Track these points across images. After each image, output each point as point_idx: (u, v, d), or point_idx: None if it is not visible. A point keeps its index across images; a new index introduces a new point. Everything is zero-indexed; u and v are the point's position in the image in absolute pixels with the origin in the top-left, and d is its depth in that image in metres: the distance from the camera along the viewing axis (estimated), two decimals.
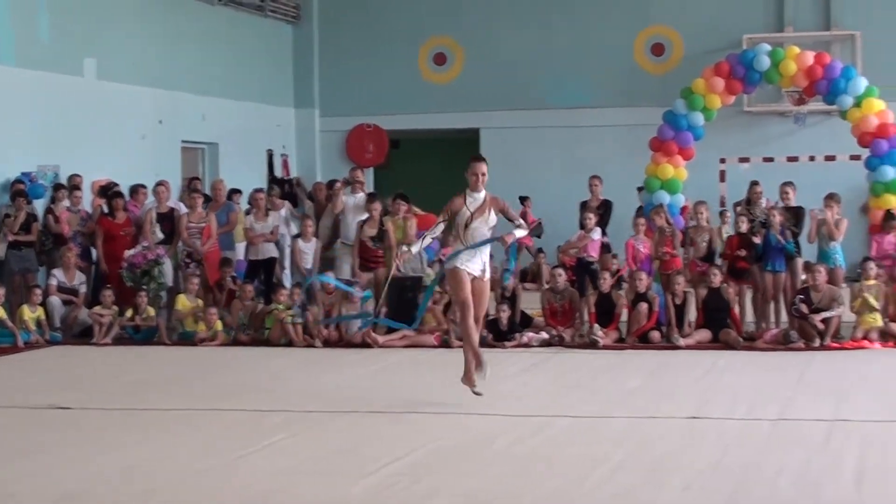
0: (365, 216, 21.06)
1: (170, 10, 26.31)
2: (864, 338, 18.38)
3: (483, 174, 13.52)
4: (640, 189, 24.31)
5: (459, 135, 30.11)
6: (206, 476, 10.33)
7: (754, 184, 22.13)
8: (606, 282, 19.30)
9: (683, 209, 22.87)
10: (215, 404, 14.03)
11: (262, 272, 21.69)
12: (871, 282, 18.91)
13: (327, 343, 19.22)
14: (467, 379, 13.28)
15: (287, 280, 21.77)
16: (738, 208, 21.59)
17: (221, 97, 27.15)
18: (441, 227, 13.72)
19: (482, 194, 13.47)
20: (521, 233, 13.76)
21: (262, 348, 19.14)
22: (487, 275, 13.58)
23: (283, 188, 26.02)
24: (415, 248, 14.38)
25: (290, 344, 19.13)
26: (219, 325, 19.69)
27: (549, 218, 24.14)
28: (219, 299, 20.59)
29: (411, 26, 30.28)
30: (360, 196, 22.03)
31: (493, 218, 13.38)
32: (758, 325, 19.70)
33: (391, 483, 9.95)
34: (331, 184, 23.98)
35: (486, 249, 13.52)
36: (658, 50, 29.74)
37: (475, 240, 13.27)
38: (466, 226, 13.27)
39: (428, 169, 29.10)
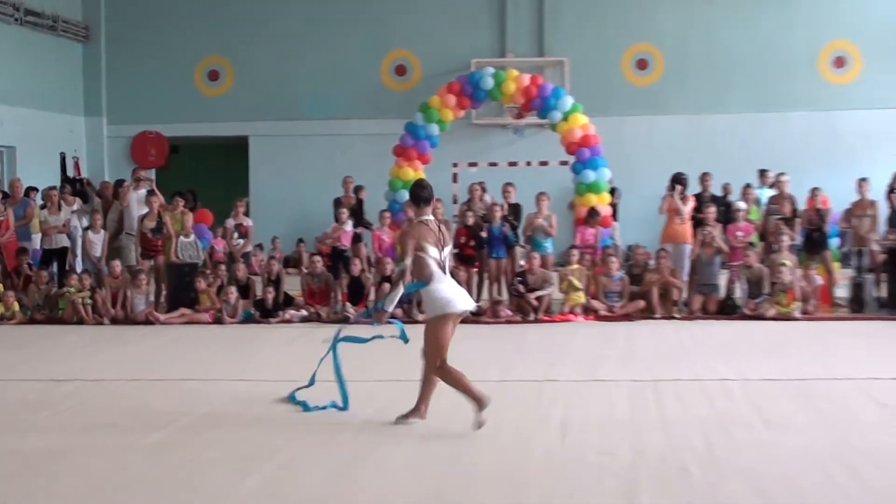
0: (146, 210, 20.94)
1: None
2: (570, 312, 18.96)
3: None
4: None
5: (231, 141, 30.07)
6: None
7: (473, 185, 22.82)
8: (356, 266, 19.59)
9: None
10: (11, 375, 13.92)
11: (56, 260, 21.37)
12: (575, 266, 19.49)
13: (115, 321, 19.11)
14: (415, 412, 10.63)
15: (78, 266, 21.31)
16: (462, 206, 22.09)
17: (19, 106, 26.61)
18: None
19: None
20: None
21: (56, 326, 18.89)
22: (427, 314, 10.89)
23: (75, 186, 25.64)
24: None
25: (81, 322, 18.99)
26: (16, 307, 19.49)
27: (310, 212, 24.34)
28: (17, 284, 20.28)
29: (188, 46, 29.93)
30: (142, 192, 21.86)
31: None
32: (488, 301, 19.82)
33: (177, 437, 10.22)
34: (118, 183, 23.83)
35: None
36: (400, 70, 30.04)
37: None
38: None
39: (203, 171, 29.09)
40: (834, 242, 22.33)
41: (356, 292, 19.41)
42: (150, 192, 21.51)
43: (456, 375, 10.29)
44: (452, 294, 10.56)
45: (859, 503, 7.69)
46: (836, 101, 29.17)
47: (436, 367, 10.37)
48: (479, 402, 10.02)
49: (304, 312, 19.28)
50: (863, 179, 21.29)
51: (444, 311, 10.34)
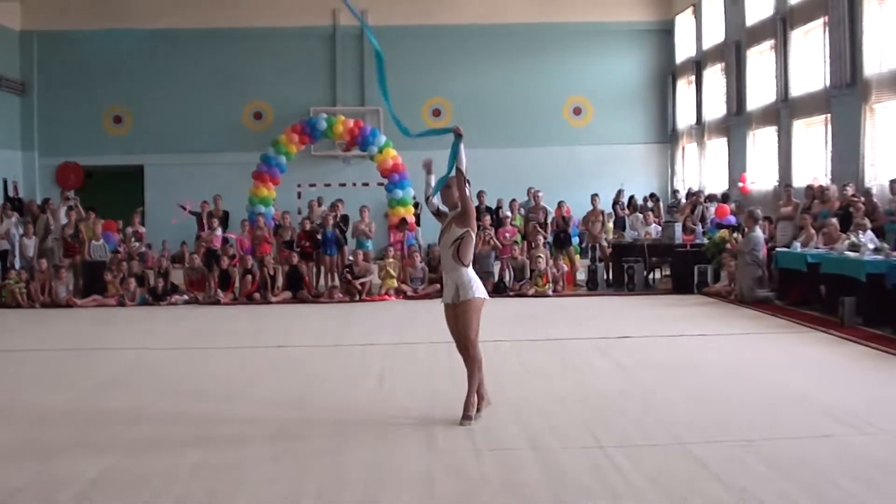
0: (65, 221, 21.08)
1: None
2: (386, 293, 18.98)
3: (449, 187, 8.39)
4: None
5: (131, 169, 29.64)
6: None
7: (311, 201, 22.89)
8: (224, 262, 19.34)
9: (275, 216, 23.18)
10: None
11: (0, 260, 21.02)
12: (391, 259, 19.67)
13: (43, 305, 18.57)
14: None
15: (17, 264, 21.01)
16: (302, 217, 22.05)
17: None
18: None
19: (454, 210, 8.38)
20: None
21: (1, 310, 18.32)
22: (464, 296, 8.24)
23: (14, 204, 25.24)
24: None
25: (18, 306, 18.46)
26: None
27: (190, 221, 23.99)
28: None
29: (99, 97, 29.51)
30: (64, 208, 22.10)
31: (456, 230, 8.23)
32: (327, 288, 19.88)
33: (85, 396, 10.14)
34: (44, 201, 24.06)
35: (459, 270, 8.24)
36: (258, 115, 29.96)
37: (443, 261, 8.46)
38: (439, 242, 8.57)
39: (111, 191, 28.50)
40: (575, 240, 22.83)
41: (224, 281, 19.22)
42: (70, 208, 21.71)
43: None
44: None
45: (592, 425, 7.87)
46: (576, 138, 30.14)
47: (476, 344, 8.32)
48: (479, 401, 8.32)
49: (186, 297, 18.97)
50: (595, 195, 21.90)
51: (484, 294, 8.37)
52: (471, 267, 8.32)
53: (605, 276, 20.35)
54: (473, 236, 8.27)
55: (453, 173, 8.43)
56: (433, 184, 8.57)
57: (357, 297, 18.83)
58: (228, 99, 29.77)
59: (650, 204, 25.15)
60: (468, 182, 8.29)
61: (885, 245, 14.74)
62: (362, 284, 19.01)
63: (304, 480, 6.66)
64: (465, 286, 8.19)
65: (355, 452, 7.37)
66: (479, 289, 8.25)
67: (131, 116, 30.01)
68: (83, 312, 17.94)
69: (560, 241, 20.92)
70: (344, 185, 28.65)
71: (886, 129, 18.54)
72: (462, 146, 8.40)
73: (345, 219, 22.20)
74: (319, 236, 20.31)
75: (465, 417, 8.18)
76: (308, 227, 20.62)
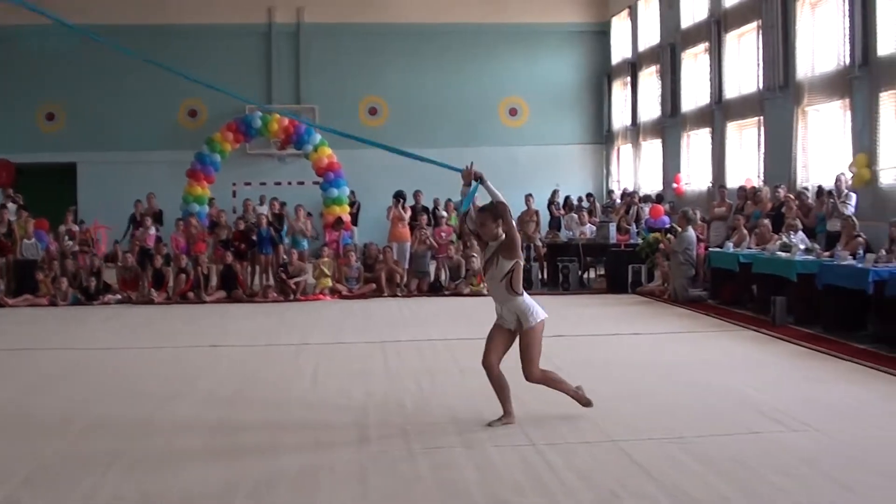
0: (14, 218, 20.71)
1: None
2: (321, 293, 18.92)
3: (484, 224, 8.04)
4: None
5: (63, 166, 29.18)
6: None
7: (246, 200, 22.95)
8: (158, 261, 19.14)
9: (209, 214, 23.02)
10: None
11: None
12: (326, 259, 19.55)
13: None
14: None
15: None
16: (238, 218, 21.85)
17: None
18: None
19: (498, 241, 8.01)
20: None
21: None
22: (528, 324, 7.94)
23: None
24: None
25: None
26: None
27: (124, 220, 23.76)
28: None
29: (32, 94, 29.03)
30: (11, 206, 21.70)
31: (505, 264, 7.94)
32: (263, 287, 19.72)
33: (17, 396, 9.98)
34: None
35: (515, 300, 7.98)
36: (193, 114, 29.71)
37: (493, 293, 8.17)
38: (484, 274, 8.33)
39: (43, 188, 28.02)
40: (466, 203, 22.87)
41: (158, 280, 19.01)
42: (2, 206, 21.02)
43: (504, 382, 8.11)
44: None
45: (524, 423, 7.88)
46: (512, 139, 30.23)
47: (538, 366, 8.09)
48: (507, 416, 8.05)
49: (118, 296, 18.75)
50: (529, 195, 21.95)
51: (545, 314, 8.07)
52: (525, 292, 8.11)
53: (540, 276, 20.49)
54: (521, 263, 8.13)
55: (472, 205, 8.57)
56: (465, 201, 8.56)
57: (292, 297, 18.75)
58: (163, 96, 29.39)
59: (585, 204, 25.32)
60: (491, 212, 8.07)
61: (816, 245, 14.98)
62: (297, 284, 18.95)
63: (238, 479, 6.61)
64: (525, 314, 7.99)
65: (289, 451, 7.33)
66: (539, 312, 8.04)
67: (64, 113, 29.58)
68: (14, 312, 17.67)
69: None
70: (279, 183, 28.56)
71: (818, 131, 18.82)
72: (488, 184, 8.38)
73: (280, 218, 22.16)
74: (254, 236, 20.18)
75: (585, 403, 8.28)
76: (242, 226, 20.49)
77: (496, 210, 8.07)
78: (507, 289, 7.99)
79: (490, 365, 8.06)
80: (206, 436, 7.87)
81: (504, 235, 8.01)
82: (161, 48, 29.54)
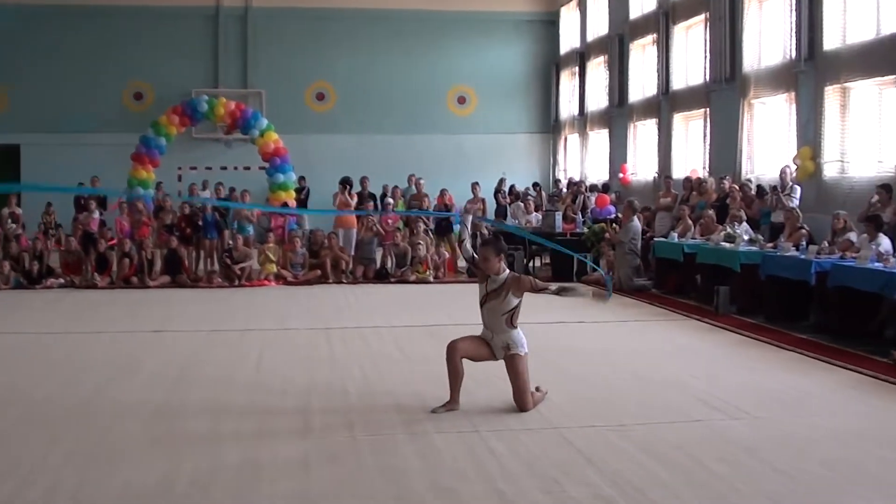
0: None
1: None
2: (266, 279, 18.81)
3: (487, 259, 8.18)
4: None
5: (6, 148, 28.84)
6: None
7: (192, 184, 22.75)
8: (102, 245, 18.94)
9: (155, 199, 22.81)
10: None
11: None
12: (271, 245, 19.44)
13: None
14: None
15: None
16: (183, 203, 21.64)
17: None
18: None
19: (503, 276, 8.20)
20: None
21: None
22: (516, 351, 8.13)
23: None
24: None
25: None
26: None
27: (67, 203, 23.49)
28: None
29: None
30: None
31: (512, 300, 8.15)
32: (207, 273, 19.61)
33: None
34: None
35: (511, 332, 8.18)
36: (138, 96, 29.48)
37: (488, 322, 8.24)
38: (482, 304, 8.31)
39: None
40: (457, 228, 22.88)
41: (102, 264, 18.76)
42: None
43: (461, 371, 8.08)
44: None
45: (468, 410, 7.89)
46: (459, 127, 30.27)
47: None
48: (453, 402, 8.04)
49: (61, 280, 18.48)
50: (475, 183, 21.99)
51: (526, 351, 8.18)
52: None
53: None
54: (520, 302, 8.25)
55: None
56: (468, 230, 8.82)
57: (236, 282, 18.59)
58: (109, 79, 29.16)
59: (532, 193, 25.40)
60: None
61: (760, 236, 15.14)
62: (242, 269, 18.78)
63: (179, 466, 6.54)
64: (516, 344, 8.16)
65: (231, 438, 7.28)
66: (525, 345, 8.19)
67: (7, 95, 29.15)
68: None
69: (441, 229, 20.97)
70: (225, 168, 28.45)
71: (763, 124, 18.98)
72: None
73: (227, 198, 22.04)
74: (199, 220, 20.00)
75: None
76: (188, 210, 20.29)
77: (499, 245, 8.31)
78: (507, 322, 8.16)
79: (456, 349, 8.06)
80: (147, 423, 7.78)
81: (508, 272, 8.21)
82: (110, 30, 29.34)
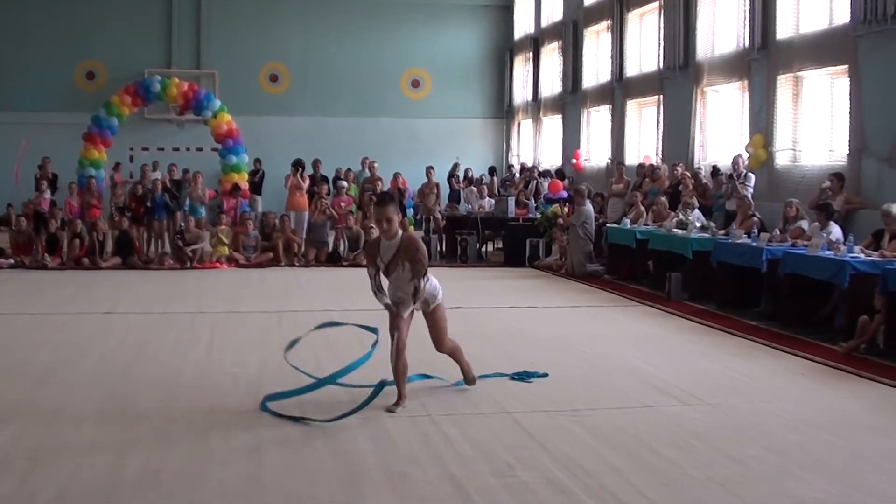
0: None
1: None
2: (217, 261, 18.72)
3: (389, 219, 7.54)
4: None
5: None
6: None
7: (143, 165, 22.63)
8: (53, 225, 18.73)
9: (111, 178, 22.67)
10: None
11: None
12: (224, 227, 19.33)
13: None
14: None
15: None
16: (134, 181, 21.56)
17: None
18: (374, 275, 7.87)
19: (396, 240, 7.60)
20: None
21: None
22: (432, 305, 7.82)
23: None
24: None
25: None
26: None
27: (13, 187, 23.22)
28: None
29: None
30: None
31: (409, 267, 7.63)
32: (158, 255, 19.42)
33: None
34: None
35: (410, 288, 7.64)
36: (90, 76, 29.17)
37: (399, 291, 7.65)
38: (388, 275, 7.75)
39: None
40: (410, 212, 22.88)
41: (52, 245, 18.58)
42: None
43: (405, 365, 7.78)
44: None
45: (420, 394, 7.86)
46: (413, 111, 30.21)
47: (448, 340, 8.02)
48: (404, 399, 7.67)
49: (11, 261, 18.25)
50: (430, 167, 21.96)
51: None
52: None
53: (439, 248, 20.52)
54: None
55: None
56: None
57: (188, 264, 18.48)
58: (62, 57, 28.81)
59: (485, 178, 25.40)
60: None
61: (712, 224, 15.22)
62: (193, 251, 18.66)
63: (128, 452, 6.46)
64: (433, 297, 7.82)
65: (182, 422, 7.21)
66: (440, 290, 7.90)
67: None
68: None
69: None
70: (177, 149, 28.21)
71: (716, 111, 19.08)
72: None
73: (178, 184, 21.85)
74: (149, 203, 19.82)
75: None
76: (139, 191, 20.10)
77: (396, 201, 7.85)
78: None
79: (404, 346, 7.72)
80: (96, 406, 7.69)
81: (400, 233, 7.67)
82: (57, 8, 28.93)
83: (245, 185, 22.87)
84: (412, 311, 7.81)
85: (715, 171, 17.26)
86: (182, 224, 19.42)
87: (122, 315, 12.53)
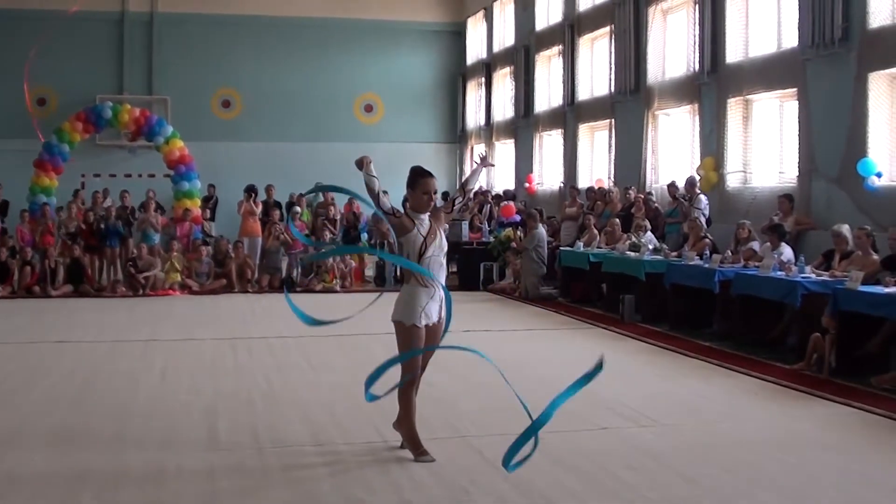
0: None
1: None
2: (170, 288, 18.58)
3: (436, 191, 7.53)
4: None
5: None
6: None
7: (95, 192, 22.45)
8: (3, 253, 18.46)
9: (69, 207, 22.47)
10: None
11: None
12: (176, 253, 19.20)
13: None
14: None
15: None
16: (86, 208, 21.32)
17: None
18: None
19: (426, 214, 7.36)
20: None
21: None
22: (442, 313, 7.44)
23: None
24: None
25: None
26: None
27: None
28: None
29: None
30: None
31: (444, 242, 7.28)
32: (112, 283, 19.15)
33: None
34: None
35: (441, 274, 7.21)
36: (41, 102, 28.85)
37: (432, 270, 7.10)
38: (421, 255, 7.13)
39: None
40: (364, 237, 22.80)
41: (3, 273, 18.29)
42: None
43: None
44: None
45: (375, 420, 7.82)
46: (367, 135, 30.05)
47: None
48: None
49: None
50: (384, 191, 21.83)
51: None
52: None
53: (393, 272, 20.44)
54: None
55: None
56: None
57: (141, 292, 18.32)
58: (10, 83, 28.44)
59: (439, 202, 25.34)
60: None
61: (664, 246, 15.32)
62: (146, 278, 18.50)
63: (82, 481, 6.37)
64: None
65: (135, 450, 7.13)
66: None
67: None
68: None
69: (349, 237, 20.86)
70: (129, 175, 27.89)
71: (667, 135, 19.22)
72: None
73: (131, 211, 21.70)
74: (102, 229, 19.63)
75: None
76: (91, 219, 19.91)
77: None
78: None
79: (412, 386, 7.21)
80: (48, 434, 7.59)
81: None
82: (12, 34, 28.64)
83: (197, 211, 22.67)
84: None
85: (672, 186, 17.33)
86: (135, 251, 19.24)
87: (74, 343, 12.41)
